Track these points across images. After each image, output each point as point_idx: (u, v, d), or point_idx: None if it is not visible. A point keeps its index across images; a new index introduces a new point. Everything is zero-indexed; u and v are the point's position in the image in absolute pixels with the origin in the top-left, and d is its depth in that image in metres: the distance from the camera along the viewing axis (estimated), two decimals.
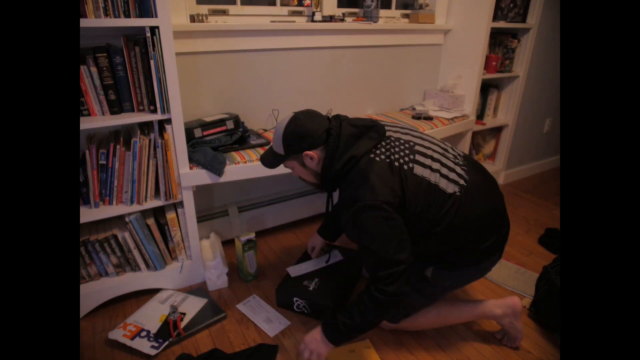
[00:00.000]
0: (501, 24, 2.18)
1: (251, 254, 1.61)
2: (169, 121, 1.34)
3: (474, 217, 1.13)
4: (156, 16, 1.20)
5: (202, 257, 1.59)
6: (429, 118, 2.09)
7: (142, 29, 1.21)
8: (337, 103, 2.07)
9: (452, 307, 1.34)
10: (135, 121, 1.30)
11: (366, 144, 1.11)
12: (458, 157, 1.22)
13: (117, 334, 1.32)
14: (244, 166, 1.48)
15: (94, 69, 1.23)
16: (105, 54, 1.23)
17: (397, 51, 2.17)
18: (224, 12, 1.72)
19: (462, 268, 1.22)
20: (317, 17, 1.85)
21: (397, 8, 2.23)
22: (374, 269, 1.08)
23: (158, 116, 1.32)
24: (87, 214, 1.33)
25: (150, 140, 1.34)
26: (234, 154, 1.52)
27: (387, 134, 1.16)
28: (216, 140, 1.53)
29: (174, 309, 1.42)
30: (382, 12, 2.15)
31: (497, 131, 2.62)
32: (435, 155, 1.15)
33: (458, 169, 1.16)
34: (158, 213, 1.52)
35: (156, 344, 1.29)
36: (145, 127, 1.43)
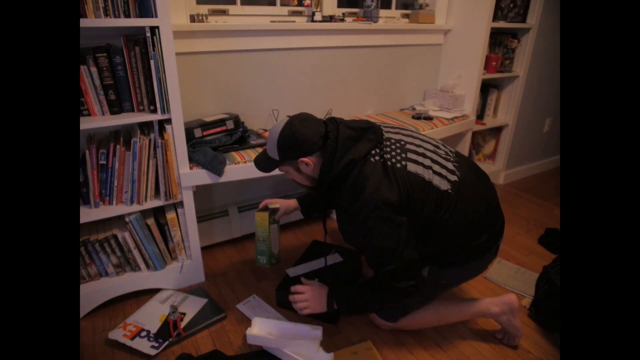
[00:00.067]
0: (501, 24, 2.18)
1: (275, 229, 1.46)
2: (169, 121, 1.34)
3: (467, 213, 1.13)
4: (156, 16, 1.20)
5: None
6: (429, 118, 2.09)
7: (142, 29, 1.21)
8: (337, 103, 2.07)
9: (450, 305, 1.35)
10: (135, 121, 1.30)
11: (364, 147, 1.10)
12: (449, 153, 1.22)
13: (117, 334, 1.32)
14: (244, 166, 1.48)
15: (94, 69, 1.23)
16: (105, 54, 1.23)
17: (397, 51, 2.17)
18: (224, 12, 1.72)
19: (459, 266, 1.22)
20: (317, 17, 1.85)
21: (397, 8, 2.23)
22: (381, 266, 1.09)
23: (158, 116, 1.32)
24: (87, 214, 1.33)
25: (150, 140, 1.34)
26: (234, 154, 1.52)
27: None
28: (216, 140, 1.53)
29: (174, 309, 1.42)
30: (382, 12, 2.15)
31: (497, 131, 2.62)
32: (427, 153, 1.15)
33: (450, 165, 1.17)
34: (158, 213, 1.52)
35: (156, 344, 1.29)
36: (145, 127, 1.43)
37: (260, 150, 1.55)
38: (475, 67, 2.18)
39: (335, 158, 1.10)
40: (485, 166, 2.66)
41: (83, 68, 1.22)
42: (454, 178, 1.14)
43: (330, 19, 1.91)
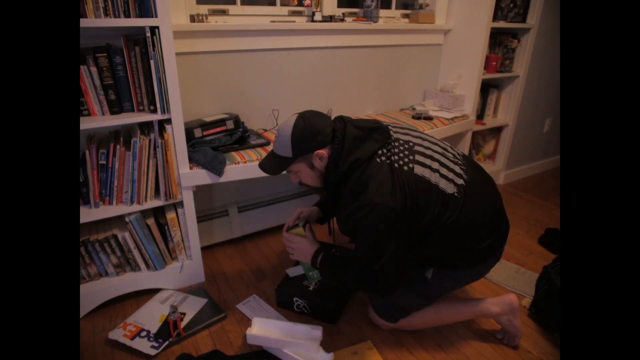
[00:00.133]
0: (501, 24, 2.18)
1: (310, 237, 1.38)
2: (169, 121, 1.34)
3: (473, 216, 1.13)
4: (156, 16, 1.19)
5: None
6: (429, 118, 2.09)
7: (142, 29, 1.21)
8: (337, 103, 2.07)
9: (450, 306, 1.34)
10: (135, 121, 1.30)
11: (371, 147, 1.10)
12: (457, 156, 1.22)
13: (117, 334, 1.32)
14: (244, 166, 1.48)
15: (94, 69, 1.23)
16: (105, 54, 1.23)
17: (397, 51, 2.17)
18: (224, 12, 1.72)
19: (463, 269, 1.22)
20: (317, 17, 1.85)
21: (397, 8, 2.23)
22: (364, 264, 1.10)
23: (158, 116, 1.32)
24: (87, 214, 1.33)
25: (150, 140, 1.34)
26: (234, 154, 1.52)
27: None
28: (216, 140, 1.53)
29: (174, 309, 1.42)
30: (382, 12, 2.15)
31: (497, 131, 2.62)
32: (435, 155, 1.15)
33: (457, 169, 1.16)
34: (158, 213, 1.52)
35: (156, 344, 1.29)
36: (145, 127, 1.43)
37: (260, 150, 1.56)
38: (475, 67, 2.18)
39: (341, 157, 1.10)
40: (485, 166, 2.66)
41: (83, 68, 1.22)
42: (460, 182, 1.14)
43: (330, 19, 1.91)
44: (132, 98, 1.31)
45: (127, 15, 1.19)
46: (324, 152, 1.11)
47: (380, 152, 1.10)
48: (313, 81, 1.94)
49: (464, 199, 1.12)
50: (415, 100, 2.39)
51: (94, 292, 1.43)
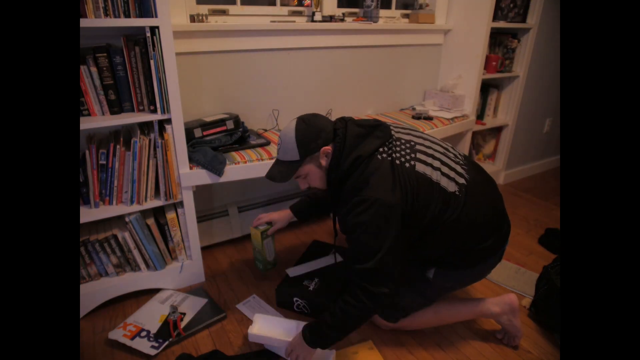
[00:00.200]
0: (501, 24, 2.18)
1: (269, 242, 1.57)
2: (169, 121, 1.34)
3: (474, 215, 1.13)
4: (156, 16, 1.19)
5: None
6: (429, 118, 2.09)
7: (142, 29, 1.21)
8: (337, 103, 2.07)
9: (451, 306, 1.34)
10: (135, 121, 1.30)
11: (372, 143, 1.10)
12: (458, 156, 1.22)
13: (117, 334, 1.32)
14: (244, 166, 1.48)
15: (94, 69, 1.23)
16: (105, 54, 1.23)
17: (397, 51, 2.17)
18: (224, 12, 1.72)
19: (463, 268, 1.22)
20: (317, 17, 1.85)
21: (397, 8, 2.23)
22: (359, 262, 1.06)
23: (158, 116, 1.32)
24: (87, 214, 1.33)
25: (150, 140, 1.34)
26: (234, 154, 1.52)
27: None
28: (216, 140, 1.53)
29: (174, 309, 1.42)
30: (382, 12, 2.15)
31: (497, 131, 2.62)
32: (437, 155, 1.15)
33: (459, 168, 1.17)
34: (158, 213, 1.52)
35: (156, 344, 1.29)
36: (145, 127, 1.43)
37: (260, 150, 1.56)
38: (475, 67, 2.18)
39: (342, 155, 1.10)
40: (485, 166, 2.66)
41: (83, 68, 1.22)
42: (462, 181, 1.14)
43: (330, 19, 1.91)
44: (132, 98, 1.31)
45: (127, 15, 1.19)
46: (329, 148, 1.12)
47: (381, 149, 1.11)
48: (313, 81, 1.94)
49: (465, 198, 1.12)
50: (415, 100, 2.39)
51: (94, 292, 1.43)
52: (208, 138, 1.54)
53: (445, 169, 1.13)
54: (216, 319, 1.43)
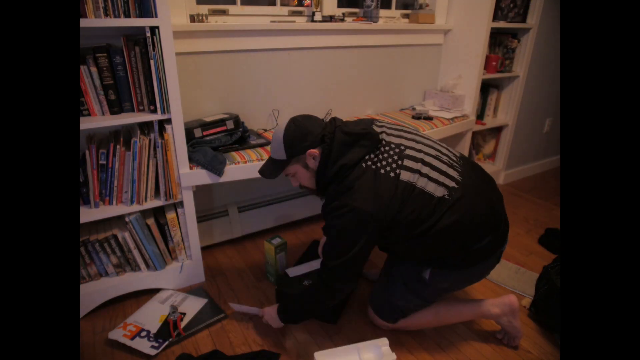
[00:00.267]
0: (501, 24, 2.18)
1: (282, 256, 1.61)
2: (169, 121, 1.34)
3: (468, 217, 1.12)
4: (156, 16, 1.20)
5: None
6: (429, 118, 2.09)
7: (142, 29, 1.21)
8: (337, 103, 2.07)
9: (450, 306, 1.34)
10: (135, 121, 1.30)
11: (358, 153, 1.12)
12: (452, 158, 1.21)
13: (117, 334, 1.32)
14: (244, 166, 1.48)
15: (94, 69, 1.23)
16: (105, 54, 1.23)
17: (397, 51, 2.17)
18: (224, 12, 1.72)
19: (460, 269, 1.22)
20: (317, 17, 1.85)
21: (397, 8, 2.23)
22: (328, 258, 1.15)
23: (158, 116, 1.32)
24: (87, 214, 1.33)
25: (150, 140, 1.34)
26: (234, 154, 1.52)
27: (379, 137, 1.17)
28: (216, 140, 1.53)
29: (174, 309, 1.42)
30: (382, 12, 2.15)
31: (497, 131, 2.62)
32: (426, 159, 1.15)
33: (450, 171, 1.16)
34: (158, 213, 1.52)
35: (156, 344, 1.29)
36: (145, 127, 1.43)
37: (260, 150, 1.56)
38: (475, 67, 2.18)
39: (329, 162, 1.13)
40: (485, 166, 2.66)
41: (83, 68, 1.22)
42: (452, 184, 1.14)
43: (330, 19, 1.91)
44: (132, 98, 1.31)
45: (127, 15, 1.19)
46: (316, 151, 1.15)
47: (367, 157, 1.12)
48: (313, 81, 1.94)
49: (455, 201, 1.12)
50: (415, 100, 2.39)
51: (94, 292, 1.43)
52: (208, 138, 1.54)
53: (434, 174, 1.13)
54: (216, 319, 1.43)
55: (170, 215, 1.49)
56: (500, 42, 2.37)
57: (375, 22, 2.02)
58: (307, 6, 1.94)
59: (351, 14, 2.09)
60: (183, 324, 1.38)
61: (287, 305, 1.28)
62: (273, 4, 1.85)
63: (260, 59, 1.76)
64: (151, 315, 1.41)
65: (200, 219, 1.80)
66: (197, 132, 1.52)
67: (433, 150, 1.19)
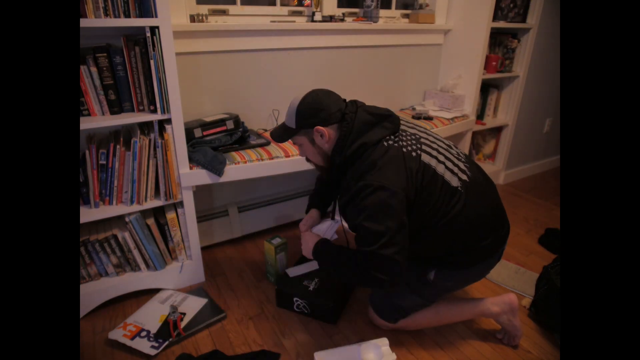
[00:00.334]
0: (501, 24, 2.18)
1: (282, 256, 1.61)
2: (169, 121, 1.34)
3: (475, 212, 1.13)
4: (156, 16, 1.20)
5: None
6: (429, 118, 2.09)
7: (142, 29, 1.21)
8: None
9: (450, 306, 1.35)
10: (135, 121, 1.30)
11: (380, 133, 1.11)
12: (460, 155, 1.23)
13: (117, 334, 1.32)
14: (244, 166, 1.48)
15: (94, 69, 1.23)
16: (105, 54, 1.23)
17: (397, 51, 2.17)
18: (224, 12, 1.72)
19: (462, 268, 1.22)
20: (317, 17, 1.85)
21: (397, 8, 2.23)
22: (365, 245, 1.05)
23: (158, 116, 1.32)
24: (87, 214, 1.33)
25: (150, 140, 1.34)
26: (234, 154, 1.52)
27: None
28: (216, 140, 1.53)
29: (174, 309, 1.42)
30: (382, 12, 2.15)
31: (497, 131, 2.62)
32: (441, 150, 1.17)
33: (461, 165, 1.18)
34: (158, 213, 1.52)
35: (156, 344, 1.29)
36: (145, 127, 1.43)
37: (260, 150, 1.56)
38: (475, 67, 2.18)
39: (348, 140, 1.11)
40: (485, 166, 2.66)
41: (83, 68, 1.22)
42: (464, 177, 1.15)
43: (330, 19, 1.91)
44: (132, 98, 1.31)
45: (127, 15, 1.19)
46: (324, 129, 1.12)
47: (388, 137, 1.11)
48: (313, 81, 1.94)
49: (466, 194, 1.13)
50: (415, 100, 2.39)
51: (94, 292, 1.43)
52: (208, 138, 1.54)
53: (449, 164, 1.14)
54: (216, 319, 1.43)
55: (170, 215, 1.49)
56: (500, 42, 2.37)
57: (375, 22, 2.02)
58: (307, 6, 1.94)
59: (351, 14, 2.09)
60: (183, 324, 1.38)
61: (331, 250, 1.20)
62: (273, 4, 1.85)
63: (260, 59, 1.76)
64: (151, 315, 1.41)
65: (200, 219, 1.80)
66: (197, 132, 1.52)
67: (443, 144, 1.21)
